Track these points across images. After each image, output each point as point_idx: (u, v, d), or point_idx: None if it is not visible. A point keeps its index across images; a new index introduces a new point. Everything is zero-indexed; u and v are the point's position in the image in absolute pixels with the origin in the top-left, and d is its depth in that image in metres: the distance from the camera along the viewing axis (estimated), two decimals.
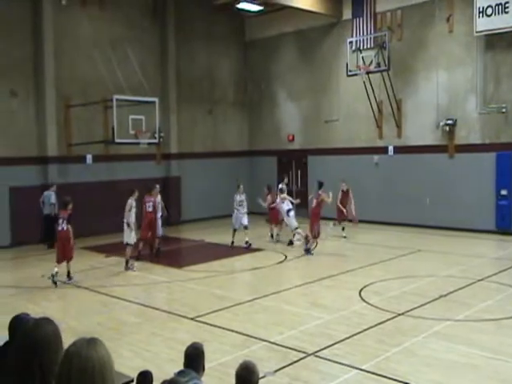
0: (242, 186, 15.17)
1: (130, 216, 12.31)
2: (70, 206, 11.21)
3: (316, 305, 9.28)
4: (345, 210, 15.82)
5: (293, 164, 21.28)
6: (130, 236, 12.33)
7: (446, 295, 9.57)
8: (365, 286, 10.32)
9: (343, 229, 15.91)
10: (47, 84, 16.30)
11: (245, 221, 14.83)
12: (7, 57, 15.70)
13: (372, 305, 9.10)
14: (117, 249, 13.75)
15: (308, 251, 13.53)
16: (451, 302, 9.20)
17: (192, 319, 8.62)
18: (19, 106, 16.05)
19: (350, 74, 17.40)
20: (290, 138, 21.17)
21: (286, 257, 13.41)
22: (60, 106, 16.66)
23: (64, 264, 11.27)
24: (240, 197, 14.89)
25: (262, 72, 21.99)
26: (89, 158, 17.48)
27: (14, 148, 15.88)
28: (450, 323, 8.10)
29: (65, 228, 11.14)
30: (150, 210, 13.38)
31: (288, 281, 11.27)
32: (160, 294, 10.64)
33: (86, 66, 17.14)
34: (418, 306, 8.94)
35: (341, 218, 16.00)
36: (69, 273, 11.49)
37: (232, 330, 8.00)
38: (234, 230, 14.82)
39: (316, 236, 13.91)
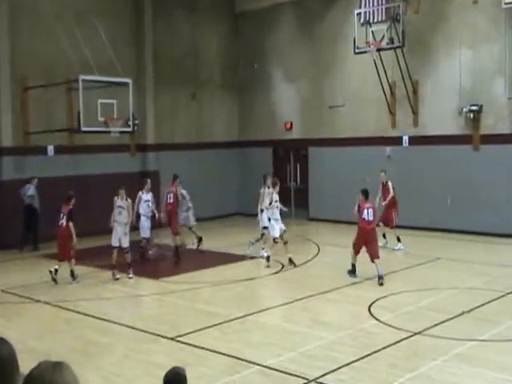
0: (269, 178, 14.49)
1: (142, 208, 14.10)
2: (73, 201, 12.15)
3: (318, 322, 9.30)
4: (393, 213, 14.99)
5: (291, 157, 21.30)
6: (147, 230, 14.21)
7: (469, 311, 9.60)
8: (375, 301, 10.34)
9: (384, 236, 15.14)
10: (1, 64, 16.18)
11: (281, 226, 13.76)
12: None
13: (383, 322, 9.12)
14: (84, 256, 13.69)
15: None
16: (475, 319, 9.24)
17: (172, 339, 8.62)
18: None
19: (357, 51, 17.43)
20: (288, 126, 21.19)
21: (282, 266, 13.43)
22: (16, 89, 16.56)
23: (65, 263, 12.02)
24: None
25: (255, 49, 21.96)
26: (50, 149, 17.42)
27: None
28: (474, 344, 8.14)
29: (64, 224, 11.90)
30: (171, 201, 14.76)
31: (285, 294, 11.28)
32: (134, 309, 10.63)
33: (47, 42, 17.05)
34: (437, 324, 8.97)
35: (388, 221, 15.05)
36: (72, 272, 12.15)
37: (219, 352, 7.99)
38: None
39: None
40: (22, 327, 9.54)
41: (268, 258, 13.23)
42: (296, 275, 12.86)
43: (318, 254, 14.96)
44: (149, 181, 14.70)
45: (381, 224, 14.64)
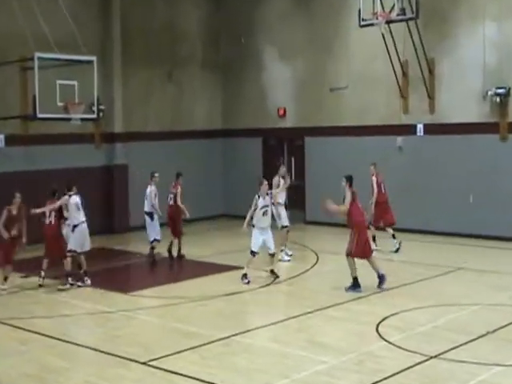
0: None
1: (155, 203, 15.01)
2: (58, 195, 12.87)
3: (316, 344, 9.25)
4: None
5: (284, 148, 21.27)
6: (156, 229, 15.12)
7: (493, 331, 9.57)
8: (384, 319, 10.30)
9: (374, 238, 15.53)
10: None
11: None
12: None
13: (393, 344, 9.09)
14: (37, 266, 13.57)
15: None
16: (501, 341, 9.22)
17: (144, 363, 8.56)
18: None
19: (363, 23, 17.41)
20: (281, 112, 21.17)
21: (275, 277, 13.38)
22: None
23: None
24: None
25: (242, 21, 21.90)
26: (0, 139, 17.30)
27: None
28: (499, 370, 8.11)
29: (53, 222, 12.74)
30: (171, 203, 15.50)
31: (278, 310, 11.24)
32: (98, 328, 10.57)
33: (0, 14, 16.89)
34: (456, 347, 8.94)
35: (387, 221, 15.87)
36: (67, 275, 12.79)
37: (199, 379, 7.93)
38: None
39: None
40: None
41: (245, 276, 13.03)
42: (290, 288, 12.81)
43: (316, 263, 14.95)
44: (157, 175, 15.40)
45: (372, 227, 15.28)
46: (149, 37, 20.47)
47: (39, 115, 15.08)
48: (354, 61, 19.36)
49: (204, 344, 9.29)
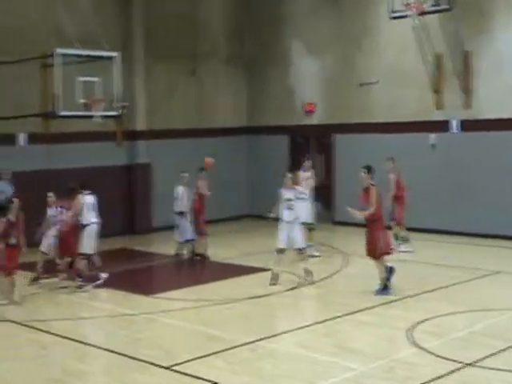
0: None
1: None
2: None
3: (345, 349, 9.18)
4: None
5: (311, 146, 21.19)
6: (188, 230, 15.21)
7: None
8: (416, 324, 10.20)
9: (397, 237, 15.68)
10: None
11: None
12: None
13: (426, 350, 8.97)
14: (54, 267, 13.69)
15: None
16: None
17: (167, 368, 8.55)
18: None
19: (394, 15, 17.32)
20: (309, 108, 21.09)
21: (307, 279, 13.29)
22: None
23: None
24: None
25: (268, 15, 21.88)
26: (22, 137, 17.54)
27: None
28: None
29: (67, 219, 13.02)
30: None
31: (305, 314, 11.21)
32: (120, 331, 10.58)
33: (18, 9, 17.06)
34: (495, 353, 8.81)
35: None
36: (79, 274, 12.90)
37: None
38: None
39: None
40: None
41: (274, 277, 12.96)
42: (318, 291, 12.75)
43: (345, 265, 14.85)
44: (186, 175, 15.50)
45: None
46: (172, 32, 20.52)
47: (60, 113, 15.17)
48: (383, 55, 19.25)
49: (228, 348, 9.26)
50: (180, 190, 15.33)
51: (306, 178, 15.37)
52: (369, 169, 12.12)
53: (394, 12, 17.18)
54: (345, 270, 14.34)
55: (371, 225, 11.99)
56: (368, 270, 13.64)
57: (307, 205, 14.89)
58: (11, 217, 12.00)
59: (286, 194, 13.01)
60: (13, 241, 11.95)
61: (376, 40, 19.43)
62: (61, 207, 13.31)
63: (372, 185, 12.01)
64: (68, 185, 13.33)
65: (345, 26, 20.11)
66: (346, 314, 10.83)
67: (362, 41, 19.77)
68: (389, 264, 12.02)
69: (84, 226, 12.98)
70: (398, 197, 15.69)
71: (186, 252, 15.64)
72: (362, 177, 12.07)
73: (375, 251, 11.94)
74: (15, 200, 12.38)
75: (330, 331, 10.07)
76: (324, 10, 20.55)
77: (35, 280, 13.30)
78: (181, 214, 15.37)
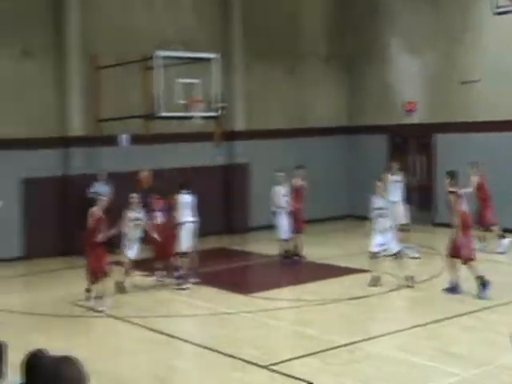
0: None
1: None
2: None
3: (447, 354, 9.03)
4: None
5: (411, 146, 20.83)
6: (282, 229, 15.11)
7: None
8: None
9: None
10: (70, 39, 16.90)
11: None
12: (19, 4, 16.42)
13: None
14: (160, 265, 14.06)
15: None
16: None
17: (266, 367, 8.65)
18: (34, 70, 16.75)
19: (498, 11, 16.76)
20: (408, 107, 20.74)
21: (403, 282, 13.12)
22: (86, 69, 17.22)
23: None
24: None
25: (366, 12, 21.66)
26: (124, 138, 18.02)
27: (27, 126, 16.62)
28: None
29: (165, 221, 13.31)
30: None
31: (405, 317, 11.06)
32: (220, 330, 10.77)
33: (121, 13, 17.65)
34: None
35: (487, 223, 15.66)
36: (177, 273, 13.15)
37: None
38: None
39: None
40: (90, 346, 9.91)
41: (374, 279, 12.93)
42: (418, 294, 12.55)
43: (445, 268, 14.52)
44: (282, 174, 15.45)
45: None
46: (270, 31, 20.61)
47: (161, 114, 15.52)
48: (487, 51, 18.68)
49: (327, 349, 9.27)
50: (275, 189, 15.38)
51: (395, 180, 15.20)
52: (451, 175, 12.10)
53: (498, 7, 16.64)
54: (445, 273, 14.02)
55: (457, 229, 11.94)
56: (470, 274, 13.33)
57: (400, 207, 14.99)
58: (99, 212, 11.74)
59: (377, 202, 12.96)
60: (99, 238, 11.58)
61: (478, 36, 18.89)
62: (147, 210, 13.33)
63: (450, 192, 11.93)
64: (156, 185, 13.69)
65: (445, 21, 19.65)
66: (447, 318, 10.65)
67: (463, 37, 19.26)
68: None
69: (181, 225, 13.28)
70: (483, 199, 15.53)
71: (281, 251, 15.64)
72: (445, 183, 12.07)
73: (459, 254, 11.97)
74: (103, 198, 12.34)
75: (431, 335, 9.92)
76: (424, 5, 20.17)
77: (121, 287, 12.96)
78: (273, 213, 15.40)
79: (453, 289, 12.09)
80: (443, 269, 14.32)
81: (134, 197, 13.07)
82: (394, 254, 12.98)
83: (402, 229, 14.79)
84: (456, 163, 19.16)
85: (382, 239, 12.83)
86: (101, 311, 11.49)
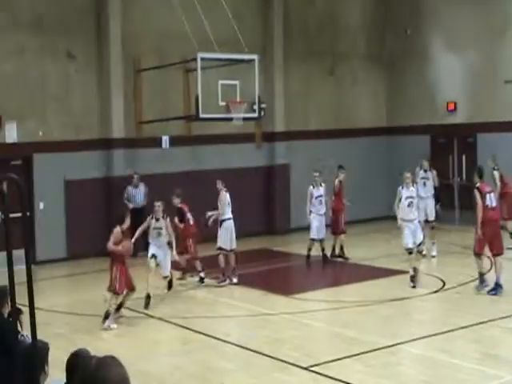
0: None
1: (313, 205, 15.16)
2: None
3: (491, 357, 8.96)
4: None
5: (454, 146, 20.60)
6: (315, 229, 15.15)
7: None
8: None
9: None
10: (111, 42, 17.11)
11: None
12: (62, 7, 16.71)
13: None
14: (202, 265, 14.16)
15: None
16: None
17: (306, 369, 8.67)
18: (77, 72, 17.02)
19: None
20: (451, 107, 20.51)
21: (444, 283, 13.01)
22: (128, 71, 17.42)
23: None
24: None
25: (408, 11, 21.49)
26: (165, 140, 18.13)
27: (70, 128, 16.90)
28: None
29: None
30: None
31: (447, 319, 10.93)
32: (260, 330, 10.80)
33: (162, 15, 17.77)
34: None
35: None
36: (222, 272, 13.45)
37: None
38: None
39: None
40: (133, 346, 10.05)
41: (412, 278, 12.86)
42: (461, 296, 12.41)
43: (490, 269, 14.31)
44: (317, 174, 15.52)
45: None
46: (310, 31, 20.59)
47: (201, 115, 15.59)
48: None
49: (368, 351, 9.22)
50: (309, 189, 15.42)
51: (422, 177, 15.59)
52: (478, 171, 12.48)
53: None
54: (489, 275, 13.81)
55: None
56: (510, 274, 13.17)
57: (428, 203, 15.45)
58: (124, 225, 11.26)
59: (404, 192, 13.24)
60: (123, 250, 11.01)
61: None
62: (170, 220, 12.70)
63: (475, 187, 12.26)
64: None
65: (488, 19, 19.38)
66: (491, 320, 10.51)
67: (507, 35, 18.98)
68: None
69: (222, 221, 13.44)
70: (504, 193, 15.76)
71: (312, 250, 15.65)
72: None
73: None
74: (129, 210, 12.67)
75: (474, 337, 9.82)
76: (466, 3, 19.91)
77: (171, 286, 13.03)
78: (309, 213, 15.43)
79: (494, 288, 12.09)
80: (486, 271, 14.16)
81: (159, 205, 12.51)
82: (419, 245, 13.24)
83: (431, 226, 14.81)
84: (499, 163, 18.95)
85: (412, 232, 13.08)
86: (106, 327, 10.86)
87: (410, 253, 13.07)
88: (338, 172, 15.85)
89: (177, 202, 13.64)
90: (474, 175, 12.48)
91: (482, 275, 12.32)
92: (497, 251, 12.14)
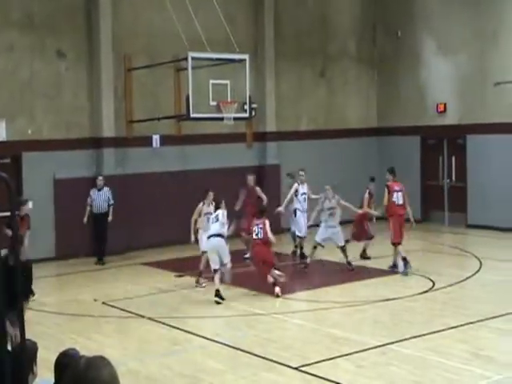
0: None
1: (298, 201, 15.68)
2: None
3: (480, 357, 8.97)
4: None
5: (444, 147, 20.67)
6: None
7: None
8: None
9: None
10: (102, 41, 17.05)
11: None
12: (53, 5, 16.64)
13: None
14: (191, 265, 14.12)
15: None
16: None
17: (297, 369, 8.66)
18: (68, 71, 16.94)
19: None
20: (441, 108, 20.57)
21: (433, 283, 13.05)
22: (119, 70, 17.37)
23: None
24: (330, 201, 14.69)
25: (399, 13, 21.54)
26: (155, 139, 18.10)
27: (61, 127, 16.83)
28: None
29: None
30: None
31: (437, 319, 10.96)
32: (251, 330, 10.79)
33: (153, 14, 17.75)
34: None
35: None
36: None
37: None
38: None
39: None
40: (123, 346, 10.03)
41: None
42: (451, 296, 12.46)
43: (479, 270, 14.39)
44: (303, 173, 15.77)
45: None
46: (301, 33, 20.60)
47: (192, 115, 15.55)
48: None
49: (358, 351, 9.24)
50: (296, 186, 15.64)
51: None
52: (391, 171, 14.35)
53: None
54: (478, 276, 13.89)
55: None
56: (504, 276, 13.24)
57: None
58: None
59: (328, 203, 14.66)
60: None
61: None
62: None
63: (386, 185, 14.30)
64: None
65: (479, 22, 19.43)
66: (480, 320, 10.54)
67: (498, 38, 19.03)
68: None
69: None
70: None
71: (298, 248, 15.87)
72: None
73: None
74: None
75: (463, 337, 9.84)
76: (458, 6, 19.96)
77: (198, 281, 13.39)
78: (295, 210, 15.69)
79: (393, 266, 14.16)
80: (475, 272, 14.21)
81: (211, 194, 13.32)
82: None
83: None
84: (487, 165, 19.05)
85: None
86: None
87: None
88: (369, 184, 15.79)
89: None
90: (387, 174, 14.47)
91: (405, 259, 13.84)
92: (396, 242, 14.02)
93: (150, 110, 17.51)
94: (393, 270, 14.13)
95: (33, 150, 16.25)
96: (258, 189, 16.04)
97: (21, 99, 16.22)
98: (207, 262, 12.76)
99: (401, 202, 14.07)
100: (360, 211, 15.38)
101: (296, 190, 15.61)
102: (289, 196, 15.78)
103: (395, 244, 14.01)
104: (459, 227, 19.16)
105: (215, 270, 12.24)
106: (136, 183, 17.16)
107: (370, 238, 15.61)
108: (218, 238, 12.34)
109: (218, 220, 12.47)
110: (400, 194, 14.14)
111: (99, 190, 16.10)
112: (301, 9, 20.65)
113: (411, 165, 20.61)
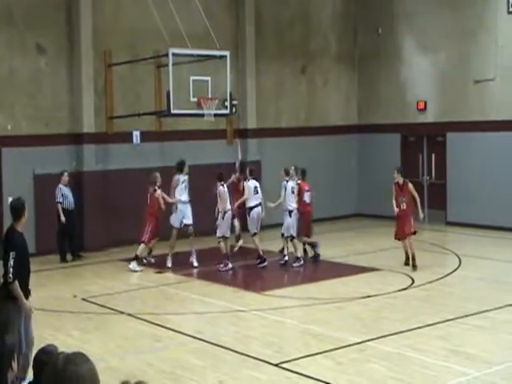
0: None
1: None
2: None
3: (458, 354, 9.07)
4: None
5: (424, 144, 20.83)
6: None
7: None
8: None
9: None
10: (82, 36, 16.97)
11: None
12: (31, 1, 16.52)
13: None
14: (172, 262, 14.14)
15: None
16: None
17: (276, 365, 8.72)
18: (48, 66, 16.85)
19: None
20: (421, 106, 20.72)
21: (413, 281, 13.18)
22: (99, 66, 17.31)
23: None
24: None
25: (380, 11, 21.64)
26: (136, 135, 18.06)
27: (41, 123, 16.72)
28: None
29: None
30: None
31: (415, 316, 11.08)
32: (231, 327, 10.85)
33: (133, 10, 17.69)
34: None
35: None
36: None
37: None
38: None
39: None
40: (103, 342, 10.02)
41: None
42: (430, 293, 12.59)
43: (458, 267, 14.54)
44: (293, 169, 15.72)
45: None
46: (282, 30, 20.64)
47: (173, 111, 15.53)
48: (502, 51, 18.60)
49: (337, 348, 9.33)
50: (284, 184, 15.40)
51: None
52: (301, 172, 15.11)
53: None
54: (457, 273, 14.05)
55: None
56: (483, 274, 13.38)
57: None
58: None
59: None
60: None
61: (493, 35, 18.80)
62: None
63: (296, 183, 14.97)
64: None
65: (460, 20, 19.57)
66: (459, 318, 10.67)
67: (478, 36, 19.19)
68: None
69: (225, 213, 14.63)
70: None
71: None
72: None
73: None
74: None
75: (442, 334, 9.95)
76: (438, 4, 20.12)
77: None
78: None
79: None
80: (454, 269, 14.36)
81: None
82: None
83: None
84: (467, 162, 19.23)
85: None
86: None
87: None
88: (396, 174, 14.70)
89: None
90: (298, 174, 15.24)
91: (314, 246, 15.09)
92: (306, 235, 15.21)
93: (131, 105, 17.49)
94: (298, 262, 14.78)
95: (12, 145, 16.15)
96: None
97: (0, 95, 16.11)
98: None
99: (308, 200, 15.20)
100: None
101: (286, 187, 15.38)
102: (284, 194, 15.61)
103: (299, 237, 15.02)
104: (439, 224, 19.33)
105: (255, 234, 14.92)
106: (116, 179, 17.12)
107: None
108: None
109: (257, 192, 14.94)
110: (309, 193, 15.23)
111: (66, 185, 15.94)
112: (281, 5, 20.68)
113: (391, 162, 20.73)
